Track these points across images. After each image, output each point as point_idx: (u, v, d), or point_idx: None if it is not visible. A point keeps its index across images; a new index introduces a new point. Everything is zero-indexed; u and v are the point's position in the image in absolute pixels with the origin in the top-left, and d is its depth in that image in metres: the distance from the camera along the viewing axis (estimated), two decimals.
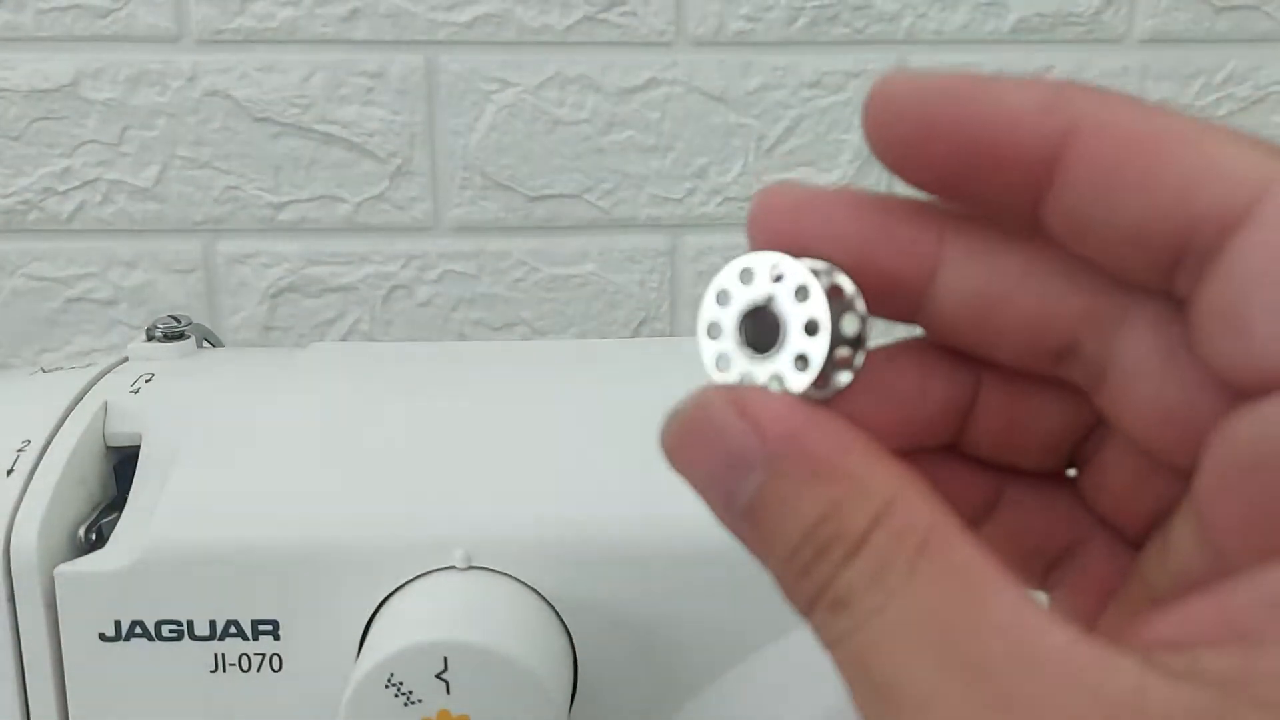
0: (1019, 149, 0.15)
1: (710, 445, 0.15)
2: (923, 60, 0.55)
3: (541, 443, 0.29)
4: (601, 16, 0.53)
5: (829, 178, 0.57)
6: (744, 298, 0.16)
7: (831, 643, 0.14)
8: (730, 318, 0.16)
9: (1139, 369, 0.15)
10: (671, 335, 0.58)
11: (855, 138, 0.56)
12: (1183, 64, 0.57)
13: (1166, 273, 0.15)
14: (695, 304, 0.58)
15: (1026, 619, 0.13)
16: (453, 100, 0.53)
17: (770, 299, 0.15)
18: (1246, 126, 0.58)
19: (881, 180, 0.57)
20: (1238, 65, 0.58)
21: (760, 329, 0.16)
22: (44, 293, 0.54)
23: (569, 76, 0.54)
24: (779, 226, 0.16)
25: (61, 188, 0.53)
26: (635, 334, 0.58)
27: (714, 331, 0.16)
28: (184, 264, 0.54)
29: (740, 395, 0.15)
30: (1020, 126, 0.15)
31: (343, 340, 0.56)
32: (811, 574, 0.14)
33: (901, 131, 0.15)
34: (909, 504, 0.14)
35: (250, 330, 0.55)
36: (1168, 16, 0.56)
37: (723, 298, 0.16)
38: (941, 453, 0.18)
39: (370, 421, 0.29)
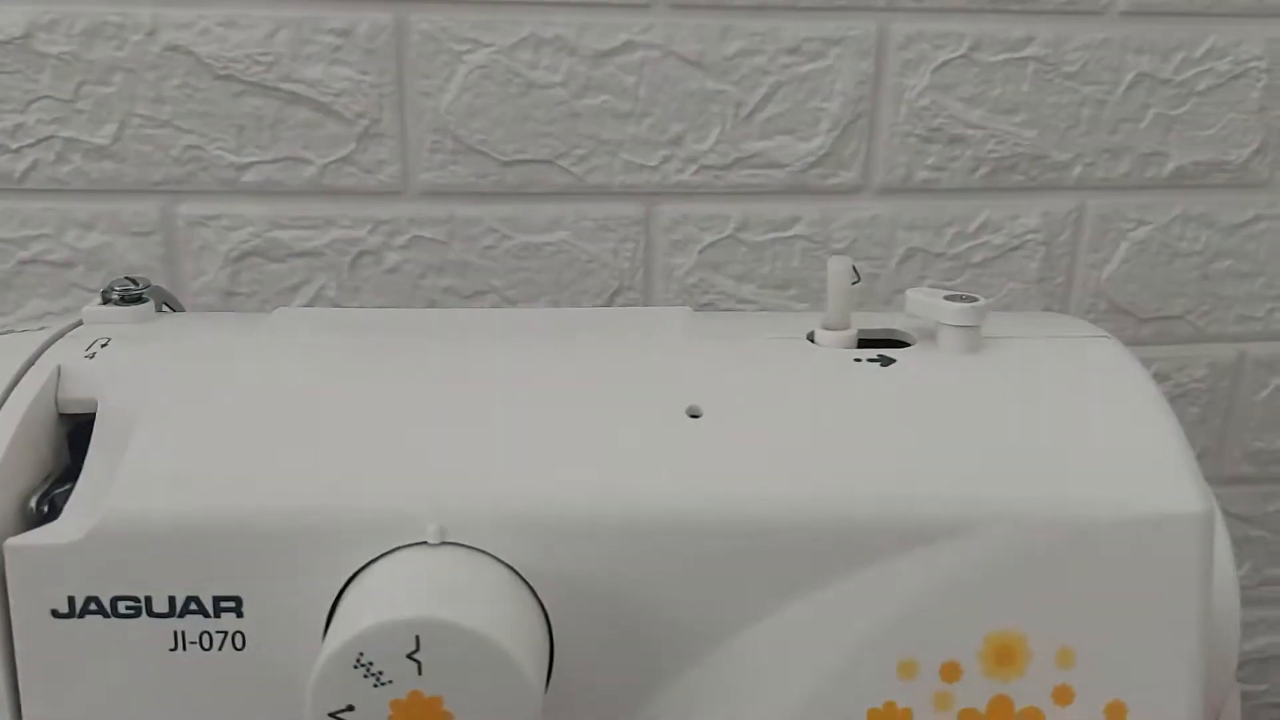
0: None
1: None
2: (903, 29, 0.55)
3: (516, 414, 0.28)
4: None
5: (807, 146, 0.56)
6: None
7: None
8: None
9: None
10: (645, 305, 0.57)
11: (834, 106, 0.55)
12: (1163, 38, 0.57)
13: None
14: (669, 273, 0.57)
15: None
16: (423, 60, 0.52)
17: None
18: (1224, 102, 0.58)
19: (860, 150, 0.56)
20: (1218, 40, 0.57)
21: None
22: None
23: (543, 38, 0.52)
24: None
25: (14, 145, 0.51)
26: (608, 304, 0.57)
27: None
28: (143, 226, 0.53)
29: None
30: None
31: (308, 305, 0.54)
32: None
33: None
34: None
35: (212, 295, 0.54)
36: None
37: None
38: None
39: (339, 391, 0.28)
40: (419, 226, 0.54)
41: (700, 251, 0.57)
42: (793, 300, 0.58)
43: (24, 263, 0.53)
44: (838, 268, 0.29)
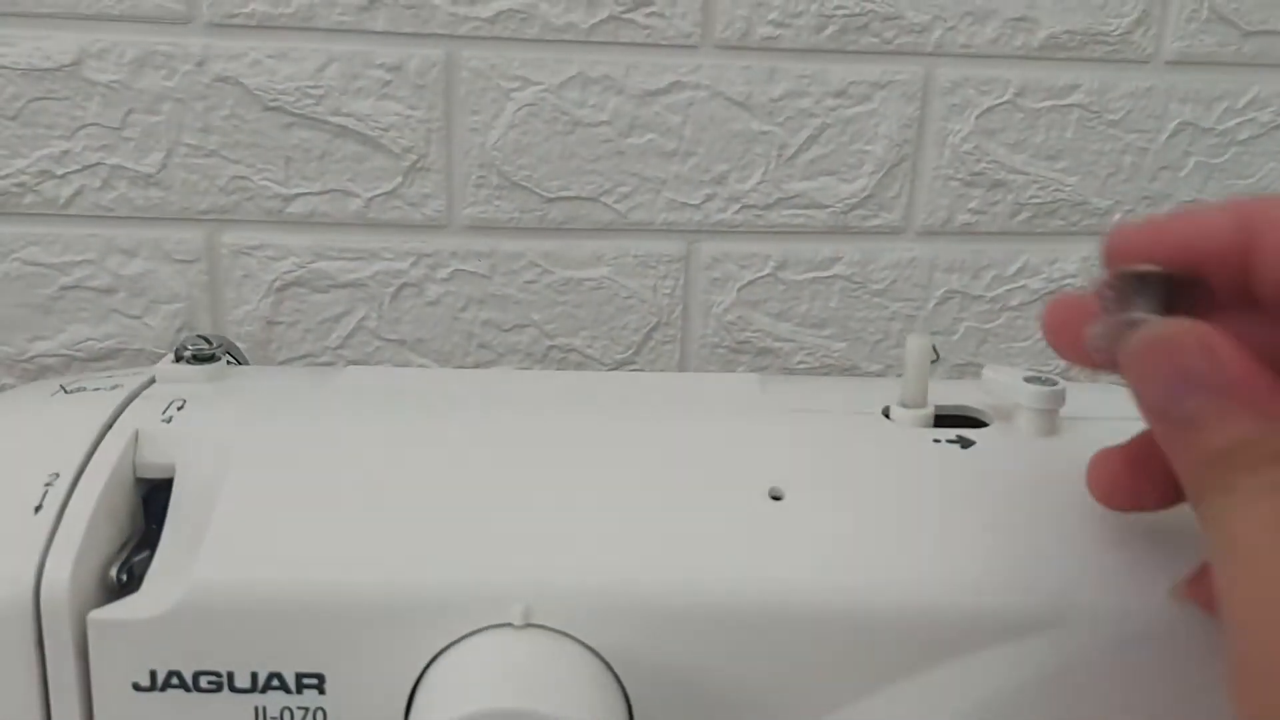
0: (1222, 258, 0.22)
1: (1171, 362, 0.22)
2: (949, 74, 0.55)
3: (599, 493, 0.28)
4: (627, 16, 0.52)
5: (850, 188, 0.56)
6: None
7: (1213, 517, 0.21)
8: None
9: None
10: (683, 341, 0.57)
11: (878, 149, 0.55)
12: (1208, 87, 0.57)
13: None
14: (707, 310, 0.57)
15: None
16: (472, 97, 0.52)
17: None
18: (1265, 151, 0.58)
19: (902, 192, 0.56)
20: (1261, 90, 0.57)
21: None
22: (38, 279, 0.52)
23: (591, 77, 0.52)
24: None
25: (60, 171, 0.51)
26: (646, 340, 0.57)
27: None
28: (186, 254, 0.52)
29: (1201, 334, 0.21)
30: (1221, 243, 0.22)
31: (349, 336, 0.54)
32: (1221, 475, 0.20)
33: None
34: None
35: (254, 324, 0.53)
36: (1195, 39, 0.56)
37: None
38: None
39: (420, 460, 0.28)
40: (461, 260, 0.54)
41: (739, 289, 0.57)
42: (830, 339, 0.58)
43: (66, 288, 0.52)
44: (917, 345, 0.29)
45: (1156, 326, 0.22)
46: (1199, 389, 0.21)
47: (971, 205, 0.57)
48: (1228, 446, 0.20)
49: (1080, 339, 0.24)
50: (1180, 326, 0.22)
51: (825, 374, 0.59)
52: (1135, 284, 0.23)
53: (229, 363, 0.33)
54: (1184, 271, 0.23)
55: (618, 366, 0.57)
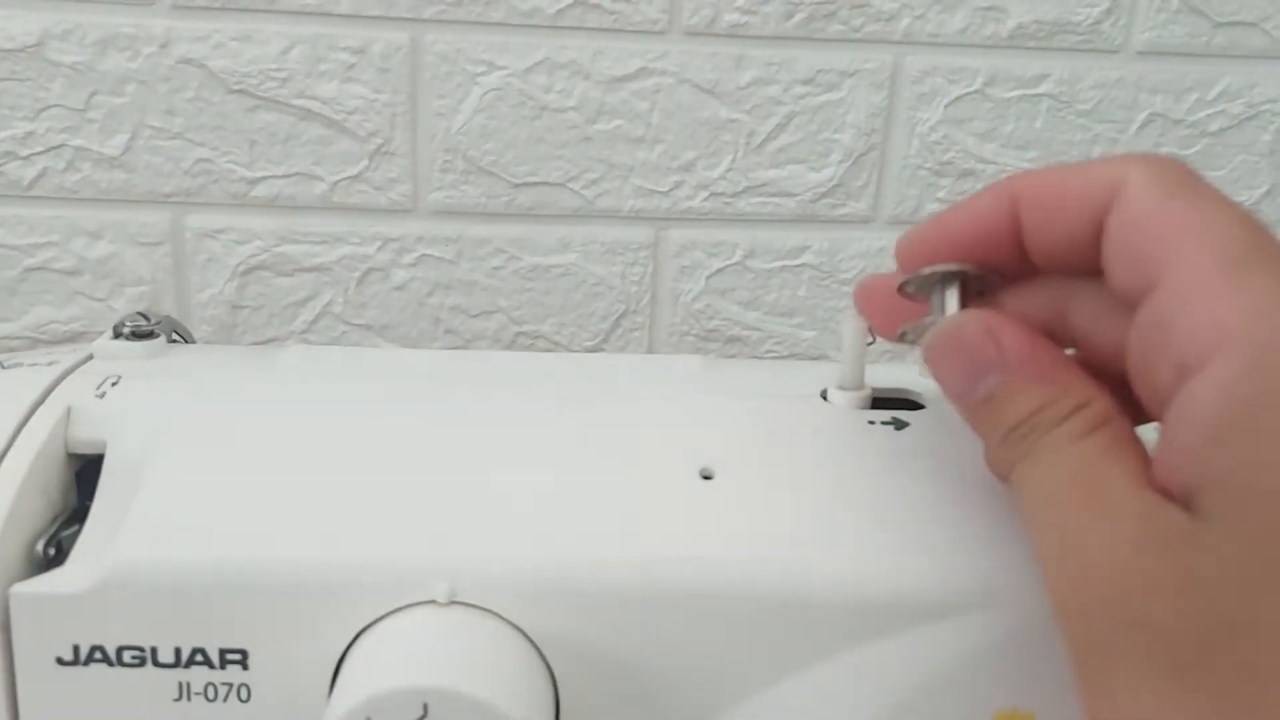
0: (997, 239, 0.25)
1: (962, 352, 0.24)
2: (918, 63, 0.54)
3: (528, 472, 0.27)
4: (594, 2, 0.51)
5: (818, 176, 0.55)
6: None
7: (1020, 483, 0.23)
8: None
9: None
10: (651, 328, 0.57)
11: (846, 137, 0.55)
12: (1178, 78, 0.57)
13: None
14: (675, 298, 0.57)
15: (1142, 470, 0.21)
16: (437, 81, 0.52)
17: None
18: (1236, 143, 0.58)
19: (871, 181, 0.56)
20: (1232, 81, 0.57)
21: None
22: (2, 260, 0.52)
23: (558, 62, 0.52)
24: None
25: (24, 152, 0.51)
26: (614, 327, 0.56)
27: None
28: (151, 237, 0.52)
29: (986, 320, 0.24)
30: (994, 226, 0.25)
31: (314, 320, 0.54)
32: (1021, 443, 0.23)
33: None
34: (1096, 405, 0.22)
35: (218, 308, 0.53)
36: (1165, 30, 0.56)
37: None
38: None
39: (353, 441, 0.28)
40: (428, 245, 0.54)
41: (708, 277, 0.57)
42: (798, 328, 0.58)
43: (30, 270, 0.52)
44: (853, 327, 0.29)
45: (946, 322, 0.24)
46: (989, 372, 0.23)
47: (940, 195, 0.57)
48: (1023, 418, 0.23)
49: (890, 321, 0.27)
50: (966, 318, 0.24)
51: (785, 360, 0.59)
52: (930, 283, 0.25)
53: (172, 340, 0.33)
54: (973, 265, 0.25)
55: (585, 353, 0.57)
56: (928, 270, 0.25)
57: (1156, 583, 0.20)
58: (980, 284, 0.26)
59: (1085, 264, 0.24)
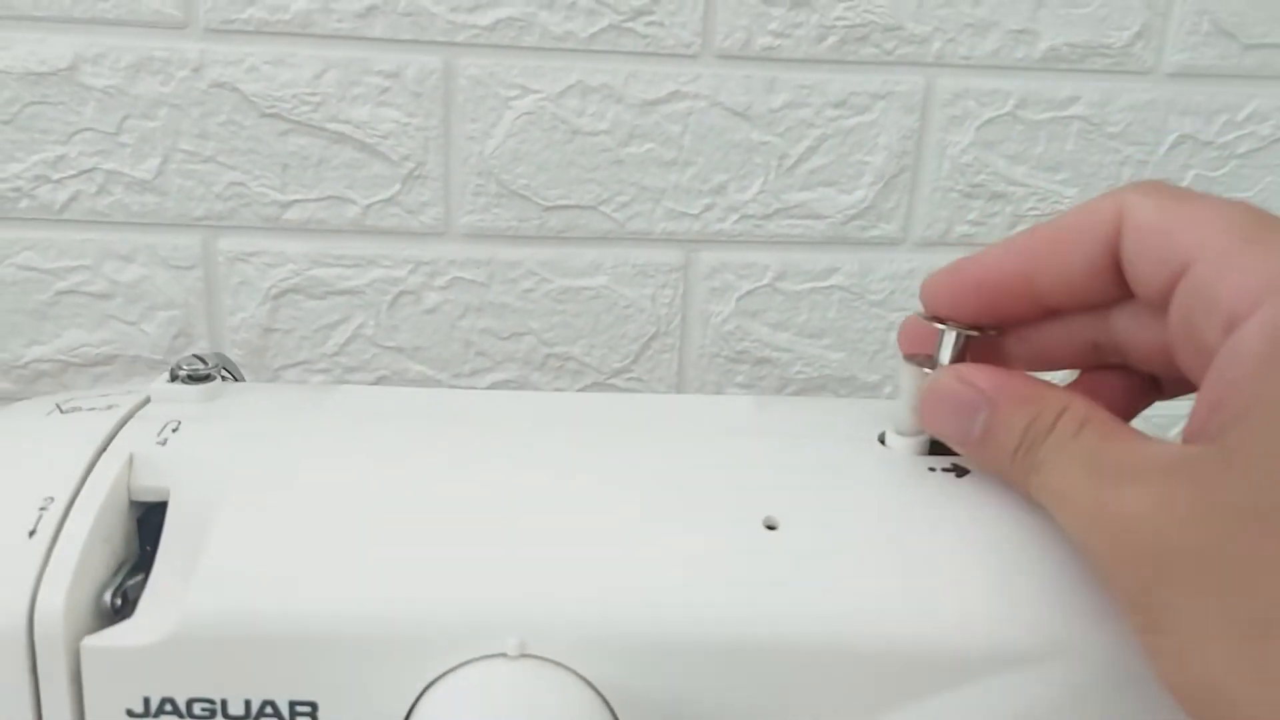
0: (1010, 287, 0.28)
1: (947, 404, 0.27)
2: (949, 85, 0.54)
3: (595, 521, 0.27)
4: (627, 25, 0.51)
5: (849, 198, 0.56)
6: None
7: (1040, 492, 0.25)
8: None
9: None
10: (681, 350, 0.57)
11: (878, 159, 0.55)
12: (1208, 100, 0.57)
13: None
14: (705, 320, 0.57)
15: (1136, 445, 0.23)
16: (470, 105, 0.52)
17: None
18: (1264, 164, 0.58)
19: (901, 203, 0.56)
20: (1261, 103, 0.57)
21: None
22: (34, 284, 0.52)
23: (590, 86, 0.52)
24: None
25: (55, 176, 0.51)
26: (644, 349, 0.56)
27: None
28: (183, 260, 0.52)
29: (957, 370, 0.27)
30: (1008, 275, 0.28)
31: (346, 343, 0.54)
32: (1027, 458, 0.25)
33: None
34: (1075, 405, 0.25)
35: (250, 331, 0.53)
36: (1196, 52, 0.56)
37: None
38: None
39: (416, 486, 0.28)
40: (459, 268, 0.54)
41: (738, 299, 0.57)
42: (828, 349, 0.58)
43: (62, 293, 0.52)
44: (911, 373, 0.29)
45: (930, 381, 0.28)
46: (977, 411, 0.26)
47: (971, 217, 0.57)
48: (1019, 437, 0.25)
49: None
50: (941, 374, 0.27)
51: (823, 384, 0.59)
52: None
53: (224, 378, 0.33)
54: (969, 322, 0.28)
55: (615, 375, 0.57)
56: (937, 326, 0.28)
57: (1191, 510, 0.21)
58: (979, 339, 0.28)
59: (1101, 295, 0.26)
